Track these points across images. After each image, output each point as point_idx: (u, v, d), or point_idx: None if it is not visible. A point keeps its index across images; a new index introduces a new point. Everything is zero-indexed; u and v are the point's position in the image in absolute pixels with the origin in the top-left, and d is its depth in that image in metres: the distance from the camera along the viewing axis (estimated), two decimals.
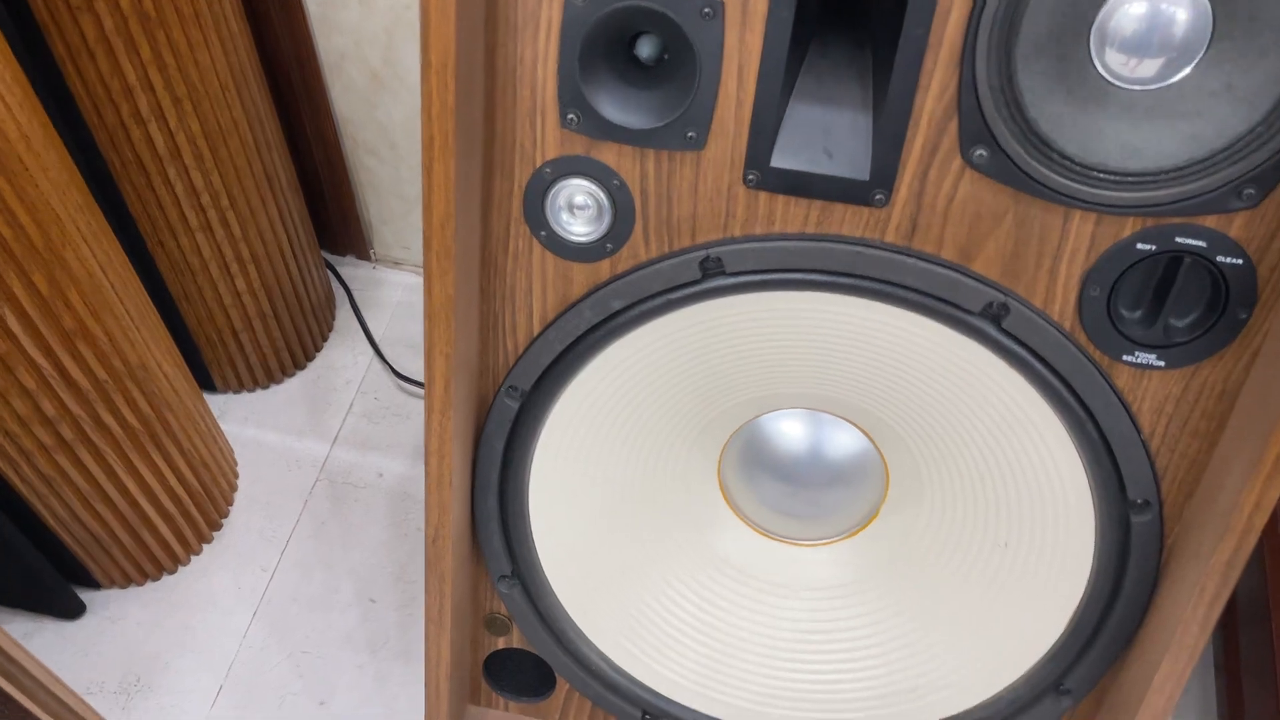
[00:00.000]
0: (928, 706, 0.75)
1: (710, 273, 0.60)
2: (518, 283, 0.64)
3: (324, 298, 1.23)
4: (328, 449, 1.14)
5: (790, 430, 0.73)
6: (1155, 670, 0.64)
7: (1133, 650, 0.67)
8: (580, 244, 0.61)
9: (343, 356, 1.23)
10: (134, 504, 0.98)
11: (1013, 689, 0.72)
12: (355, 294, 1.27)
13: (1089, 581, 0.66)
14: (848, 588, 0.76)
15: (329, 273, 1.27)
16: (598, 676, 0.78)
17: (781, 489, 0.76)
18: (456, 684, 0.81)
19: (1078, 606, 0.67)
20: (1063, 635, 0.68)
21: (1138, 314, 0.57)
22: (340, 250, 1.30)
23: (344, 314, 1.26)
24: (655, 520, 0.75)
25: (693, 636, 0.78)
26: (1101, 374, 0.58)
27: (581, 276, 0.63)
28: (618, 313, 0.62)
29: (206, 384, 1.18)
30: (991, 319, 0.58)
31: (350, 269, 1.30)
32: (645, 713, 0.79)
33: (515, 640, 0.80)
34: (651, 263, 0.60)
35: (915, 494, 0.71)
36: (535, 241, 0.62)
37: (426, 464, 0.67)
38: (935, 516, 0.71)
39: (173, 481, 1.00)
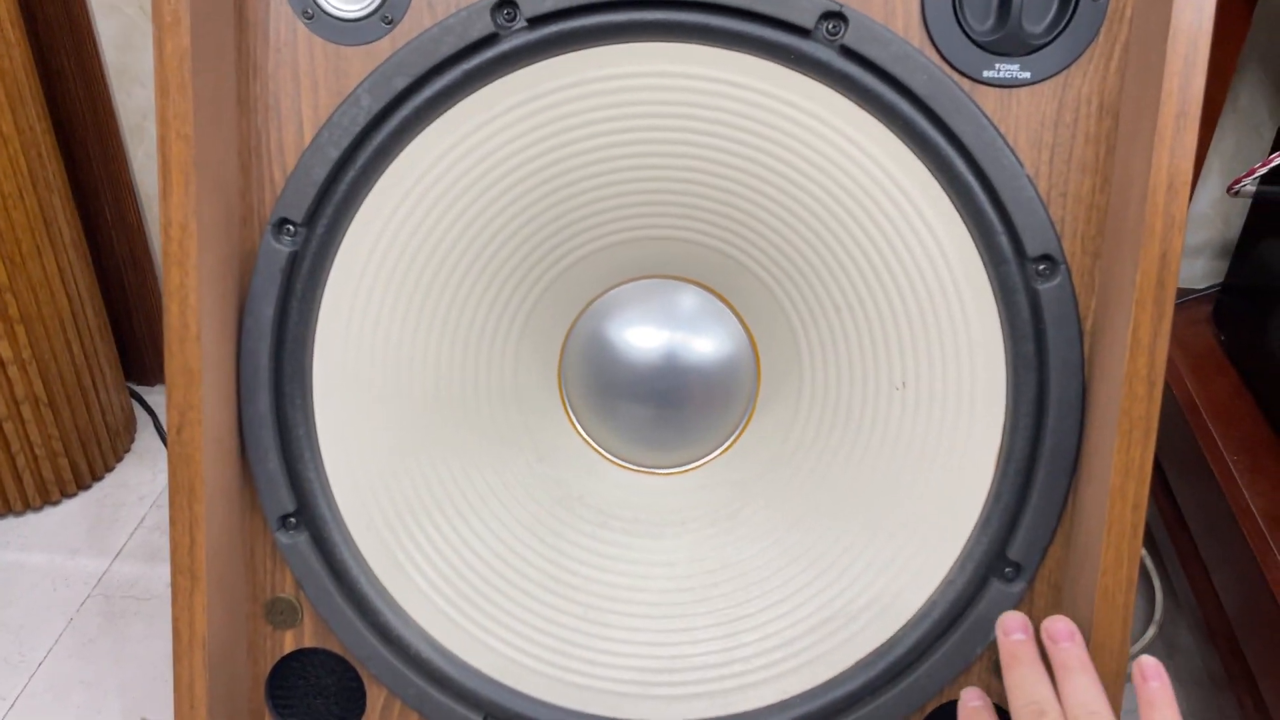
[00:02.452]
0: (850, 641, 0.57)
1: (505, 26, 0.51)
2: (281, 85, 0.54)
3: (122, 419, 1.06)
4: (107, 564, 0.93)
5: (642, 336, 0.61)
6: (1103, 524, 0.51)
7: (1080, 492, 0.54)
8: (351, 19, 0.52)
9: (138, 474, 1.04)
10: None
11: (950, 584, 0.56)
12: (162, 419, 1.11)
13: (1007, 394, 0.54)
14: (731, 513, 0.61)
15: (132, 399, 1.11)
16: (419, 667, 0.58)
17: (641, 413, 0.63)
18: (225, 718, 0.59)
19: (1002, 436, 0.54)
20: (993, 482, 0.55)
21: (989, 24, 0.51)
22: (149, 379, 1.16)
23: (146, 437, 1.09)
24: (484, 443, 0.60)
25: (544, 601, 0.60)
26: (963, 92, 0.51)
27: (359, 64, 0.53)
28: (403, 95, 0.52)
29: None
30: (828, 41, 0.50)
31: (159, 397, 1.14)
32: (488, 716, 0.59)
33: (308, 636, 0.60)
34: (437, 25, 0.52)
35: (789, 362, 0.59)
36: (300, 25, 0.53)
37: (165, 316, 0.52)
38: (817, 384, 0.58)
39: None
